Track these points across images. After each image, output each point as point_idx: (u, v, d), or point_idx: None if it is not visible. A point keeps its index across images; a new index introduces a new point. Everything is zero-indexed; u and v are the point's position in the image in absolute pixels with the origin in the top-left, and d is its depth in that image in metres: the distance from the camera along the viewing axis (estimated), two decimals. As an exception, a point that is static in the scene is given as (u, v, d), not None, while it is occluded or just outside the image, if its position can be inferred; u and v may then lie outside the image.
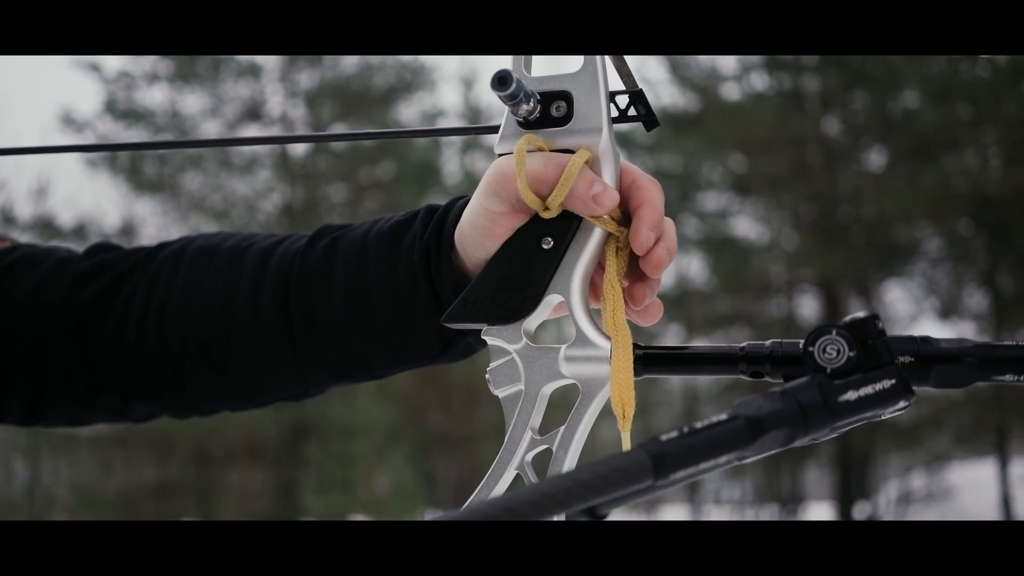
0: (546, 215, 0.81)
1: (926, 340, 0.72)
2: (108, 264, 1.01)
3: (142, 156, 14.43)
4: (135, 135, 14.59)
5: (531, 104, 0.80)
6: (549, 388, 0.81)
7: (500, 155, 0.83)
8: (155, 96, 14.85)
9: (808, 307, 15.63)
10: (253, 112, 14.77)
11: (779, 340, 0.76)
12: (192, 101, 14.92)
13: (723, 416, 0.65)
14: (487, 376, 0.82)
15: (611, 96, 0.82)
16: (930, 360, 0.71)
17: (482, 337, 0.82)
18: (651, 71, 14.31)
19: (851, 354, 0.68)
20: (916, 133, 12.90)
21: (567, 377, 0.80)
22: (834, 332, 0.69)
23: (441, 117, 15.15)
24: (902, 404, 0.68)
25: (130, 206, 15.10)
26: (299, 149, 14.94)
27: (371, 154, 14.68)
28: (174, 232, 14.35)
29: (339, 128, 15.39)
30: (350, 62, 14.98)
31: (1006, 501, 13.11)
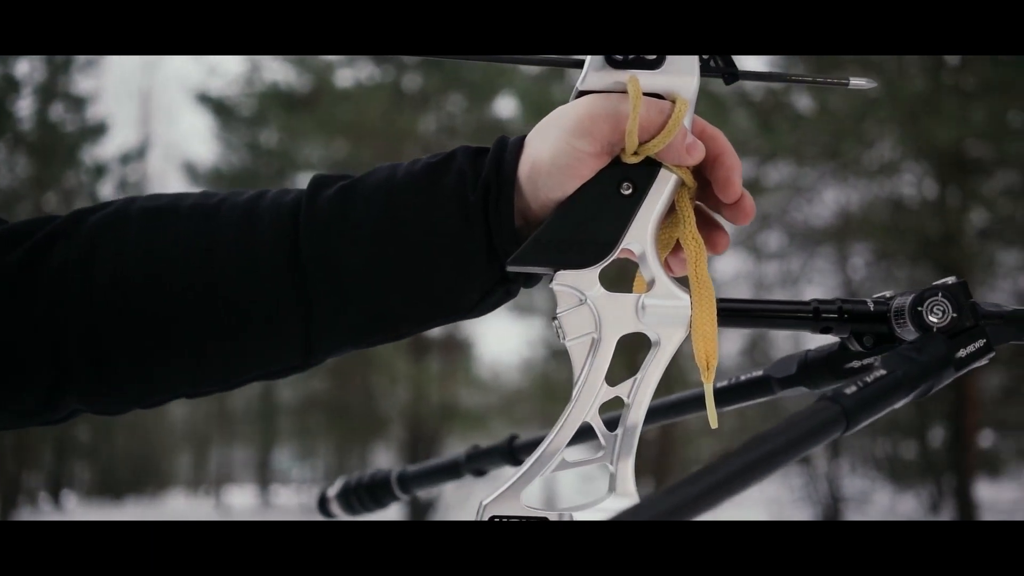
0: (631, 160, 0.78)
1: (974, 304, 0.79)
2: (13, 236, 0.80)
3: None
4: None
5: None
6: (619, 335, 0.77)
7: (582, 92, 0.78)
8: None
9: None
10: None
11: (843, 298, 0.80)
12: None
13: (882, 372, 0.67)
14: (555, 322, 0.77)
15: None
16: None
17: (552, 283, 0.77)
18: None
19: (954, 315, 0.74)
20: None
21: (643, 325, 0.77)
22: (940, 294, 0.74)
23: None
24: (984, 362, 0.75)
25: None
26: None
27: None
28: None
29: None
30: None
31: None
